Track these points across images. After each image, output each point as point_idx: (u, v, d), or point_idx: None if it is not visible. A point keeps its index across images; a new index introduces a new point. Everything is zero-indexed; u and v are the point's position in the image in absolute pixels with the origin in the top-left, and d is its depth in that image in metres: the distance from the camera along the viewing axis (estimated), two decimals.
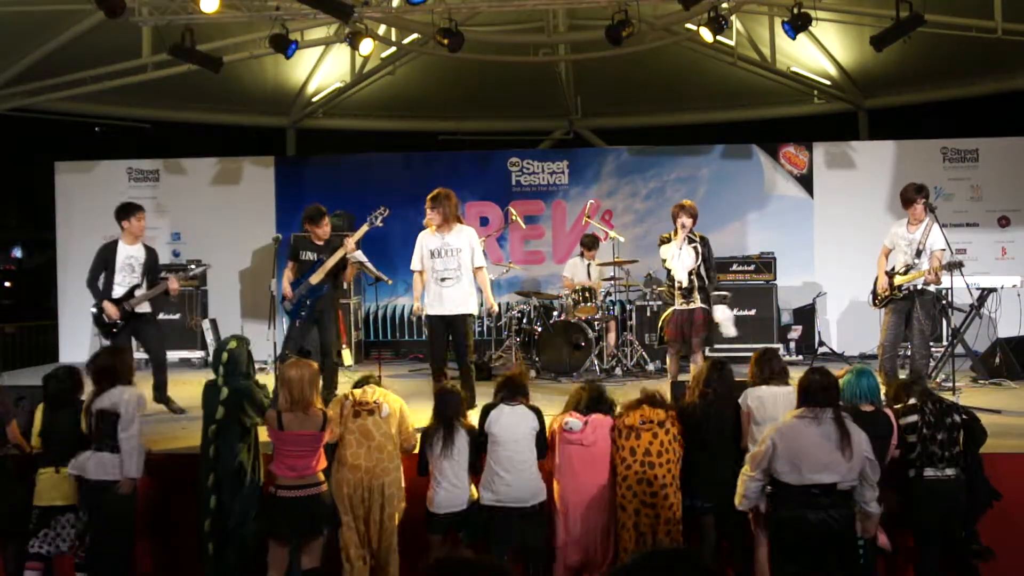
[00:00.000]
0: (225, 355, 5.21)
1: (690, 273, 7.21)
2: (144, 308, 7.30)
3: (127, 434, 5.04)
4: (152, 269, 7.40)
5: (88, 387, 5.31)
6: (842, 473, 4.28)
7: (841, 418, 4.37)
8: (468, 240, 6.87)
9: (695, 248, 7.22)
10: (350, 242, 7.12)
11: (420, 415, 5.49)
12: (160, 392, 7.32)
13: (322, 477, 4.84)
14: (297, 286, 7.11)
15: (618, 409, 5.17)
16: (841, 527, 4.31)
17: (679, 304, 7.26)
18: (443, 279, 6.79)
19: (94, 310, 7.22)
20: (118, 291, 7.22)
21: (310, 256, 7.19)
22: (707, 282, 7.28)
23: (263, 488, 5.11)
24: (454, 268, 6.77)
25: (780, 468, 4.33)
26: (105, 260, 7.29)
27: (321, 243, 7.25)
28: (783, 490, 4.36)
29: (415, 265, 6.99)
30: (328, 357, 7.10)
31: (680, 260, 7.20)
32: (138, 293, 7.24)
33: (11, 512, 5.24)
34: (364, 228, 7.19)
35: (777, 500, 4.43)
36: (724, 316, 7.70)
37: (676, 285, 7.29)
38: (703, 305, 7.25)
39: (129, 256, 7.32)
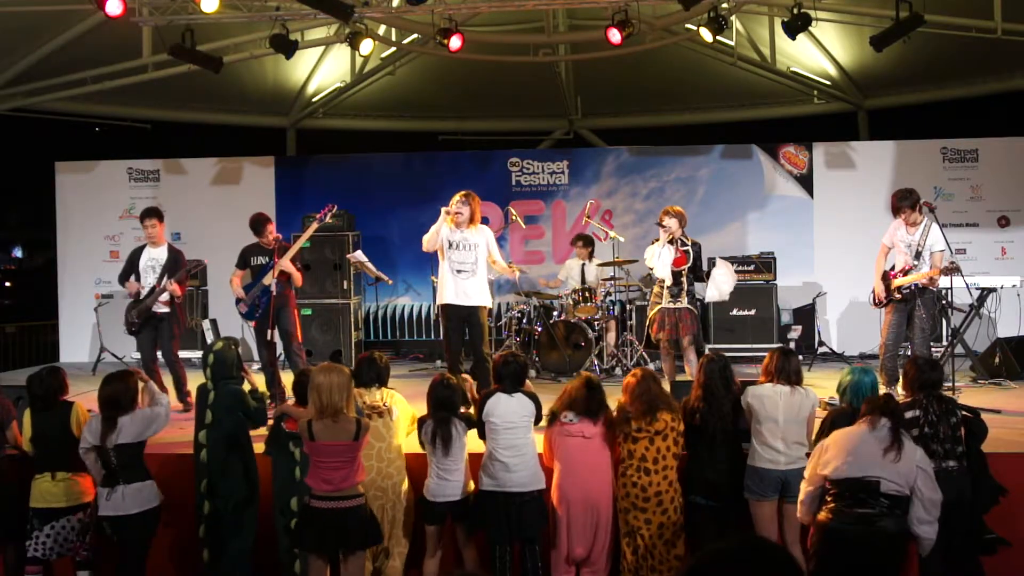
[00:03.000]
0: (211, 356, 5.24)
1: (679, 273, 7.25)
2: (161, 309, 7.59)
3: (160, 407, 5.15)
4: (171, 270, 7.60)
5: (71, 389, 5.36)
6: (890, 474, 4.22)
7: (897, 428, 4.33)
8: (486, 237, 7.12)
9: (688, 251, 7.25)
10: (293, 250, 7.33)
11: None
12: (178, 391, 7.59)
13: (361, 490, 4.69)
14: (251, 289, 7.36)
15: (618, 408, 5.16)
16: (885, 545, 4.21)
17: (666, 303, 7.30)
18: (459, 271, 6.99)
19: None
20: (142, 293, 7.64)
21: (261, 260, 7.44)
22: (694, 285, 7.34)
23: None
24: (471, 262, 6.99)
25: (833, 464, 4.27)
26: (131, 262, 7.75)
27: (270, 247, 7.47)
28: (831, 493, 4.30)
29: (429, 233, 7.05)
30: (291, 355, 7.32)
31: (661, 259, 7.25)
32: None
33: (10, 515, 5.24)
34: (314, 226, 7.45)
35: (829, 508, 4.33)
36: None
37: (659, 283, 7.35)
38: (690, 306, 7.27)
39: (151, 259, 7.72)
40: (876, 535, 4.21)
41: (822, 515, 4.36)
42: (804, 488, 4.48)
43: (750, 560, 1.83)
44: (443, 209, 7.01)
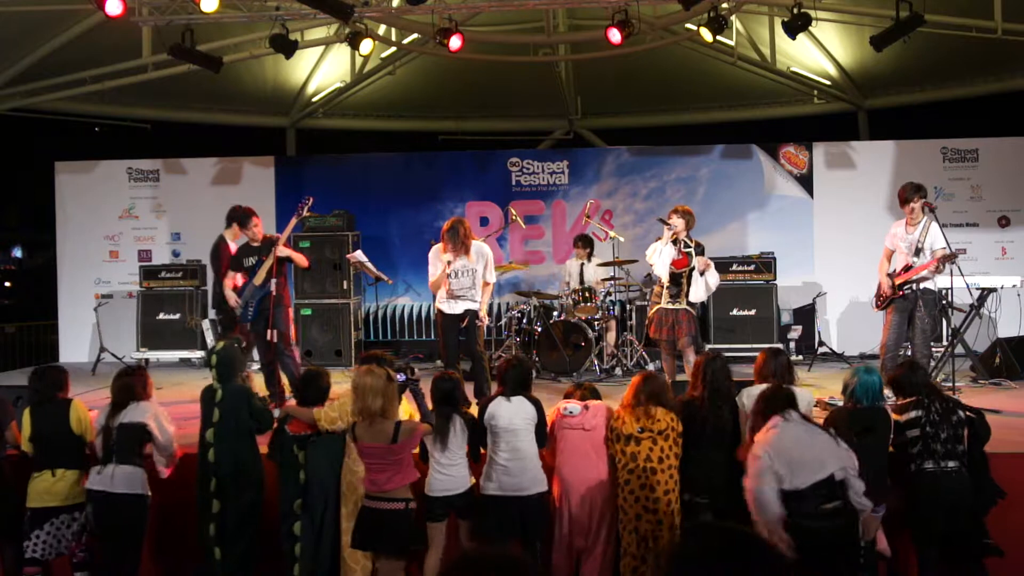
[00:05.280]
0: (214, 358, 5.27)
1: (680, 275, 7.24)
2: None
3: (166, 440, 5.20)
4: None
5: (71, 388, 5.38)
6: (836, 463, 4.34)
7: (804, 416, 4.50)
8: (484, 257, 7.20)
9: (690, 253, 7.24)
10: (281, 241, 7.23)
11: None
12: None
13: (407, 494, 4.69)
14: (243, 291, 7.30)
15: (616, 411, 5.17)
16: (843, 531, 4.33)
17: (665, 303, 7.30)
18: (459, 296, 7.11)
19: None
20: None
21: (251, 261, 7.35)
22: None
23: None
24: (469, 286, 7.12)
25: (783, 473, 4.33)
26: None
27: (258, 244, 7.39)
28: (793, 499, 4.35)
29: (434, 275, 7.11)
30: (283, 355, 7.25)
31: (661, 257, 7.24)
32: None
33: (9, 515, 5.24)
34: (293, 222, 7.37)
35: (791, 511, 4.39)
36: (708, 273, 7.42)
37: (659, 283, 7.37)
38: (688, 307, 7.27)
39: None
40: (845, 525, 4.35)
41: (790, 520, 4.37)
42: (755, 491, 4.39)
43: (730, 544, 1.85)
44: (446, 261, 7.02)
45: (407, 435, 4.64)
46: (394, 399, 4.70)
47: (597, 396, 5.37)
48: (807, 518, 4.30)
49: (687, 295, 7.26)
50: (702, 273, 7.24)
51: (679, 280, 7.28)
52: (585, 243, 10.04)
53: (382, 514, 4.59)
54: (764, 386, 5.08)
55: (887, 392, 6.18)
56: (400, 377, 4.89)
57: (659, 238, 7.46)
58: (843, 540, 4.35)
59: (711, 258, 7.85)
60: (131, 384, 5.22)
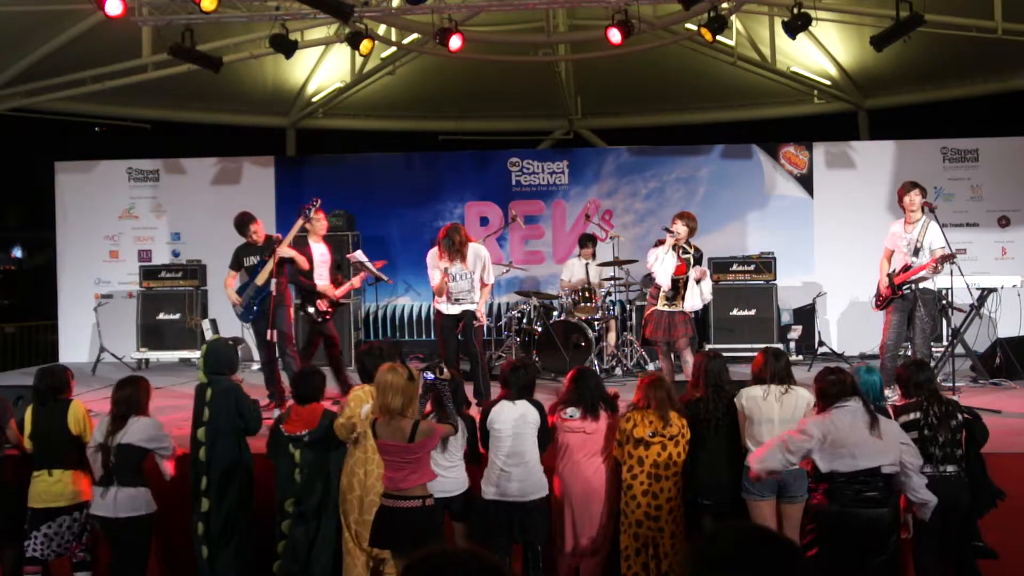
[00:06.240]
0: (204, 347, 5.32)
1: (678, 280, 7.24)
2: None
3: (167, 453, 5.17)
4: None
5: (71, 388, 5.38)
6: (884, 457, 4.41)
7: (868, 404, 4.53)
8: (481, 260, 7.28)
9: (688, 259, 7.24)
10: (285, 243, 7.26)
11: None
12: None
13: (423, 492, 4.64)
14: (244, 291, 7.31)
15: (626, 413, 5.15)
16: (888, 522, 4.46)
17: (661, 305, 7.30)
18: (458, 300, 7.20)
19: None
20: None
21: (253, 260, 7.39)
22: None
23: None
24: (467, 290, 7.22)
25: (823, 458, 4.44)
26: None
27: (261, 245, 7.43)
28: (833, 482, 4.45)
29: (435, 281, 7.20)
30: (284, 355, 7.25)
31: (663, 265, 7.24)
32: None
33: (9, 514, 5.25)
34: (299, 223, 7.38)
35: (828, 494, 4.50)
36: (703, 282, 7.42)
37: (655, 285, 7.38)
38: (684, 311, 7.27)
39: (323, 252, 7.67)
40: (882, 516, 4.42)
41: (821, 500, 4.51)
42: (778, 449, 4.52)
43: (756, 543, 1.85)
44: (443, 269, 7.14)
45: (424, 435, 4.60)
46: (414, 398, 4.67)
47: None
48: (845, 502, 4.40)
49: (683, 299, 7.26)
50: (698, 282, 7.24)
51: (676, 284, 7.29)
52: (593, 243, 10.03)
53: (397, 512, 4.56)
54: (762, 387, 5.07)
55: (888, 392, 6.20)
56: (428, 376, 4.87)
57: (660, 241, 7.45)
58: (879, 532, 4.43)
59: (711, 258, 7.86)
60: (132, 396, 5.12)
